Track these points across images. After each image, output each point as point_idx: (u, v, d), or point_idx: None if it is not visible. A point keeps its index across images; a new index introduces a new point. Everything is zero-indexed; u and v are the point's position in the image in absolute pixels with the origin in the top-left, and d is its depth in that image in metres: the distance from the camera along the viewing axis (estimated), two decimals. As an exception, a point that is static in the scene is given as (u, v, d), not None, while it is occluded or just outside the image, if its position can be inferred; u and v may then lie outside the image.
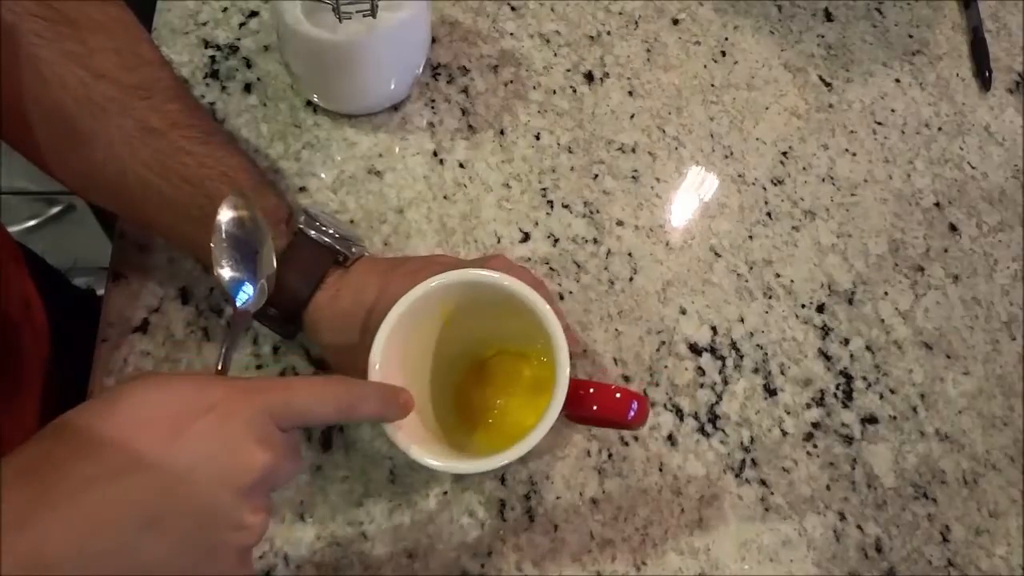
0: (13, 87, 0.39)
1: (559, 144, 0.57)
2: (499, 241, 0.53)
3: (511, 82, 0.59)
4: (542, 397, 0.42)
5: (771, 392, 0.51)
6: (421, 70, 0.57)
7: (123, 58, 0.41)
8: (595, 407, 0.39)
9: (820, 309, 0.54)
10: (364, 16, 0.48)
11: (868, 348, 0.53)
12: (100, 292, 0.68)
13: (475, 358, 0.46)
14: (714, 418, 0.50)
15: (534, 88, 0.59)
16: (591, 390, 0.39)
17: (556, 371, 0.38)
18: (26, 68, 0.39)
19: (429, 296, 0.39)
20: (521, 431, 0.38)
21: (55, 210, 1.07)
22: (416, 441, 0.37)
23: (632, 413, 0.39)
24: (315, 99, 0.56)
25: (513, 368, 0.45)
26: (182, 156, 0.42)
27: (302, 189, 0.53)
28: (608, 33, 0.62)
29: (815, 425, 0.51)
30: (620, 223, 0.55)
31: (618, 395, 0.39)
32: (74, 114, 0.40)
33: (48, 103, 0.40)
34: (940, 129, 0.62)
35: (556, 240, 0.54)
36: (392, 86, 0.55)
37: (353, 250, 0.44)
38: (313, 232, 0.43)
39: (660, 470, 0.48)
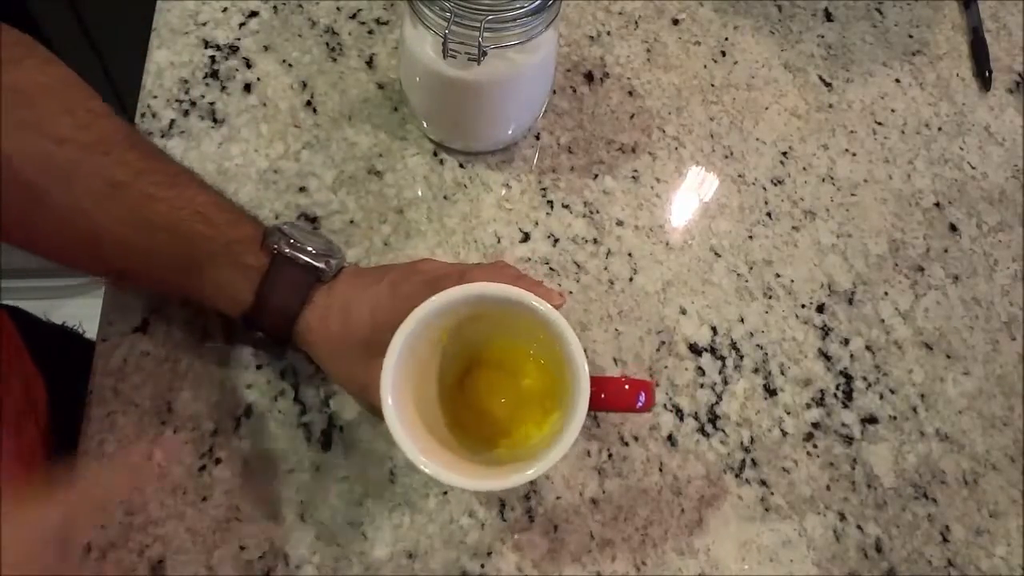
0: None
1: (559, 144, 0.57)
2: (499, 241, 0.53)
3: (511, 82, 0.59)
4: (549, 401, 0.42)
5: (771, 392, 0.51)
6: (544, 108, 0.57)
7: (76, 117, 0.40)
8: (603, 396, 0.39)
9: (820, 309, 0.54)
10: (470, 60, 0.46)
11: (868, 348, 0.53)
12: (85, 333, 0.67)
13: (475, 367, 0.46)
14: (714, 418, 0.50)
15: (534, 88, 0.59)
16: (601, 387, 0.39)
17: (574, 386, 0.38)
18: None
19: (431, 315, 0.39)
20: (528, 438, 0.38)
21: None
22: (438, 460, 0.37)
23: (640, 403, 0.40)
24: (441, 140, 0.55)
25: (514, 374, 0.45)
26: (153, 204, 0.41)
27: (302, 189, 0.53)
28: (608, 33, 0.62)
29: (815, 425, 0.51)
30: (620, 223, 0.55)
31: (627, 387, 0.40)
32: (39, 183, 0.39)
33: (10, 175, 0.38)
34: (940, 129, 0.62)
35: (556, 240, 0.54)
36: (515, 127, 0.55)
37: (332, 263, 0.44)
38: (289, 251, 0.43)
39: (660, 470, 0.48)
